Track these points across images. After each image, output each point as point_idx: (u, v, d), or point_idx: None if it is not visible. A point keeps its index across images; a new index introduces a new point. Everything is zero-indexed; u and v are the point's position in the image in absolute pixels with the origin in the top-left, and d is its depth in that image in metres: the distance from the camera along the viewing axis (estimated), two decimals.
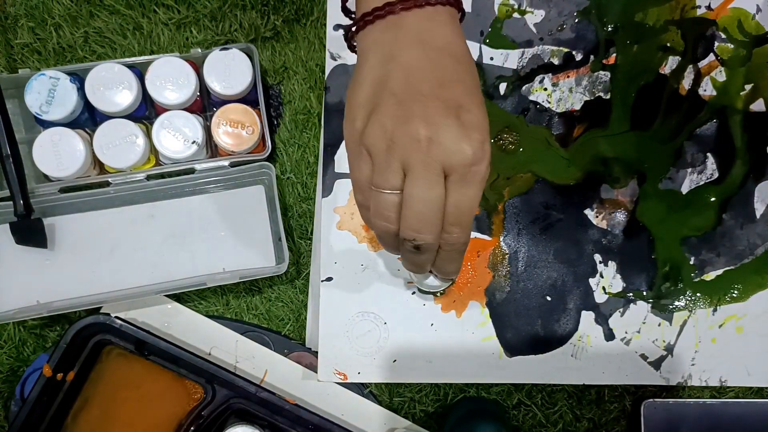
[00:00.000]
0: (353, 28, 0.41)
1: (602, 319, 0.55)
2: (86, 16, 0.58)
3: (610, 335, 0.55)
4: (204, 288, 0.55)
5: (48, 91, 0.53)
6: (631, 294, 0.55)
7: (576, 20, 0.57)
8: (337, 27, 0.58)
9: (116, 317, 0.53)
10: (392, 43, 0.39)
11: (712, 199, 0.56)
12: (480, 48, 0.57)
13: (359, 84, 0.40)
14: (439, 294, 0.54)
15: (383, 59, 0.39)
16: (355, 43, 0.42)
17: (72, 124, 0.55)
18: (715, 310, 0.55)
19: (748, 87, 0.56)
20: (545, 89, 0.57)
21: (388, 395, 0.56)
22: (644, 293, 0.55)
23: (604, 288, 0.55)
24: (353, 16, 0.43)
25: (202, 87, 0.56)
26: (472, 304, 0.55)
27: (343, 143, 0.56)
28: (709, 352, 0.54)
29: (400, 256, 0.45)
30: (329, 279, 0.55)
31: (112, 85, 0.54)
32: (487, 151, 0.37)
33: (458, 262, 0.42)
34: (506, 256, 0.56)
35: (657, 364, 0.54)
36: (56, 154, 0.53)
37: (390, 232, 0.40)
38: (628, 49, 0.57)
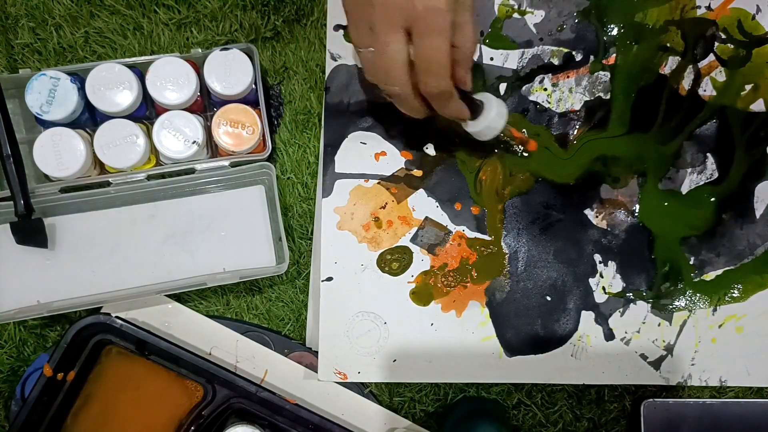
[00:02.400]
0: None
1: (602, 319, 0.55)
2: (87, 16, 0.58)
3: (610, 335, 0.55)
4: (204, 288, 0.55)
5: (48, 91, 0.53)
6: (630, 294, 0.55)
7: (576, 20, 0.57)
8: (337, 27, 0.58)
9: (116, 317, 0.53)
10: None
11: (712, 199, 0.56)
12: (480, 48, 0.57)
13: None
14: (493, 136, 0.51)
15: None
16: None
17: (72, 124, 0.55)
18: (715, 310, 0.55)
19: (748, 87, 0.56)
20: (545, 89, 0.57)
21: (388, 395, 0.56)
22: (644, 293, 0.55)
23: (604, 288, 0.55)
24: None
25: (203, 87, 0.56)
26: (472, 304, 0.55)
27: (344, 143, 0.57)
28: (709, 352, 0.54)
29: None
30: (329, 279, 0.55)
31: (112, 85, 0.54)
32: (442, 2, 0.40)
33: (451, 107, 0.46)
34: (506, 256, 0.56)
35: (657, 364, 0.54)
36: (57, 154, 0.53)
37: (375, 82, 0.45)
38: (628, 49, 0.57)
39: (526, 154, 0.56)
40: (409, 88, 0.44)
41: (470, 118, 0.49)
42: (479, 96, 0.50)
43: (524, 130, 0.56)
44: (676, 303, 0.55)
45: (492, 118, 0.49)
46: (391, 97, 0.46)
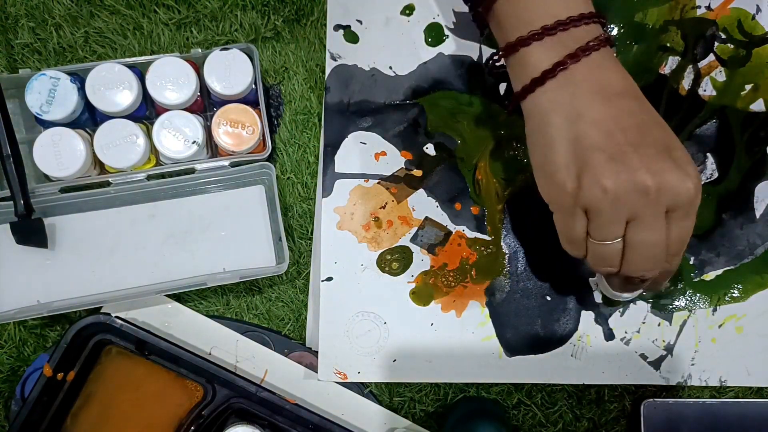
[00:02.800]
0: (522, 92, 0.42)
1: (602, 318, 0.55)
2: (87, 16, 0.58)
3: (609, 335, 0.55)
4: (204, 288, 0.55)
5: (48, 91, 0.53)
6: None
7: None
8: (337, 27, 0.58)
9: (116, 317, 0.53)
10: (572, 99, 0.40)
11: (712, 199, 0.56)
12: (480, 48, 0.57)
13: (552, 147, 0.40)
14: (628, 299, 0.54)
15: (569, 118, 0.39)
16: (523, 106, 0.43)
17: (72, 124, 0.55)
18: (714, 310, 0.55)
19: (748, 87, 0.56)
20: None
21: (388, 395, 0.56)
22: (644, 293, 0.55)
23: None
24: (497, 69, 0.45)
25: (203, 87, 0.56)
26: (472, 304, 0.55)
27: (344, 143, 0.57)
28: (709, 352, 0.54)
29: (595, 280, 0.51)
30: (329, 279, 0.55)
31: (112, 85, 0.54)
32: (700, 179, 0.39)
33: (664, 283, 0.45)
34: (506, 256, 0.56)
35: (657, 364, 0.54)
36: (57, 154, 0.53)
37: (612, 273, 0.42)
38: (628, 49, 0.57)
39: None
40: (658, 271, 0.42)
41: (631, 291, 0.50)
42: None
43: None
44: (676, 303, 0.55)
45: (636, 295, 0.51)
46: (627, 278, 0.43)
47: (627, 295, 0.51)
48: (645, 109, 0.41)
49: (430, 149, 0.57)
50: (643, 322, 0.55)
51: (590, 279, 0.54)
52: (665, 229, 0.39)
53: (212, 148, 0.58)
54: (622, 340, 0.55)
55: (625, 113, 0.39)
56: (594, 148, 0.39)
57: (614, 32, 0.57)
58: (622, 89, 0.40)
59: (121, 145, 0.54)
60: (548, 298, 0.55)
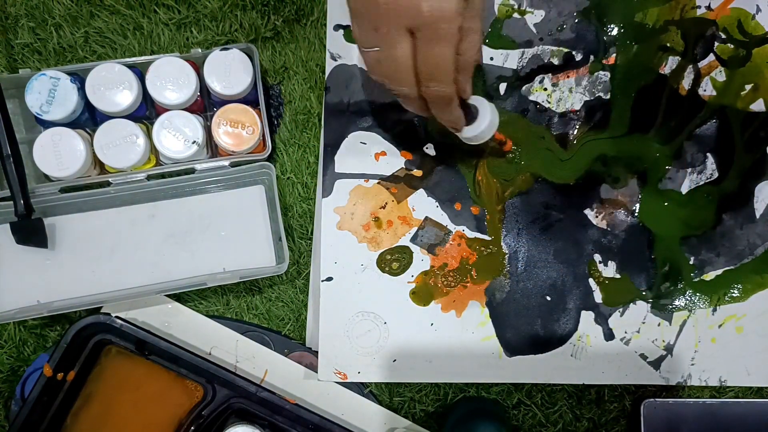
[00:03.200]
0: None
1: (602, 318, 0.55)
2: (87, 16, 0.58)
3: (609, 335, 0.55)
4: (204, 288, 0.55)
5: (48, 91, 0.53)
6: (630, 294, 0.55)
7: (576, 20, 0.57)
8: (337, 27, 0.58)
9: (116, 317, 0.53)
10: None
11: (712, 199, 0.56)
12: (480, 48, 0.57)
13: None
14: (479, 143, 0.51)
15: None
16: None
17: (72, 124, 0.55)
18: (714, 310, 0.55)
19: (748, 87, 0.56)
20: (545, 89, 0.57)
21: (388, 395, 0.56)
22: (644, 293, 0.55)
23: (604, 287, 0.55)
24: None
25: (203, 87, 0.56)
26: (472, 304, 0.55)
27: (344, 143, 0.57)
28: (708, 352, 0.54)
29: None
30: (329, 279, 0.55)
31: (112, 85, 0.54)
32: (450, 8, 0.39)
33: (449, 113, 0.46)
34: (506, 256, 0.56)
35: (657, 364, 0.54)
36: (57, 154, 0.53)
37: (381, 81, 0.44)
38: (628, 49, 0.57)
39: (505, 154, 0.56)
40: (415, 89, 0.43)
41: (464, 124, 0.49)
42: (474, 101, 0.49)
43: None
44: (676, 303, 0.55)
45: (485, 127, 0.48)
46: (397, 95, 0.46)
47: (464, 135, 0.49)
48: None
49: (430, 149, 0.57)
50: (643, 322, 0.55)
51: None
52: (405, 45, 0.41)
53: (212, 148, 0.58)
54: (621, 340, 0.55)
55: None
56: None
57: (614, 32, 0.57)
58: None
59: (121, 145, 0.54)
60: (548, 298, 0.55)
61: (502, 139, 0.55)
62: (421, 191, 0.56)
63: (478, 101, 0.49)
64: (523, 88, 0.57)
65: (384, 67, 0.43)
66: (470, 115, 0.49)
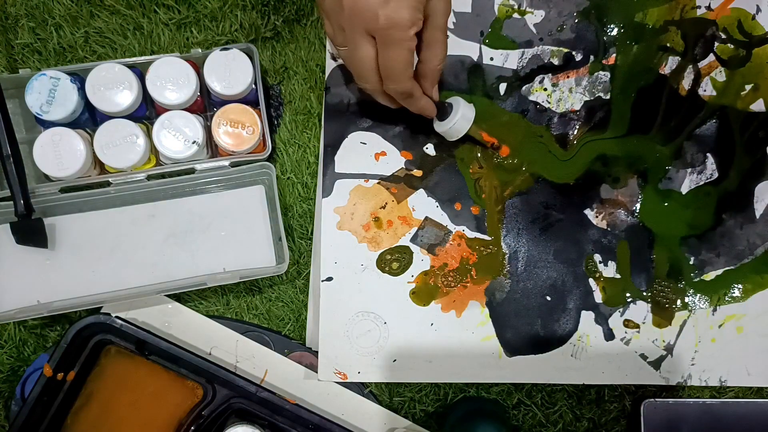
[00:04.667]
0: None
1: (602, 318, 0.55)
2: (87, 16, 0.58)
3: (609, 335, 0.55)
4: (204, 288, 0.55)
5: (48, 91, 0.53)
6: (630, 294, 0.55)
7: (576, 20, 0.57)
8: None
9: (116, 317, 0.53)
10: None
11: (712, 199, 0.56)
12: (480, 48, 0.57)
13: None
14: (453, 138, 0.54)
15: None
16: None
17: (72, 124, 0.55)
18: (714, 310, 0.55)
19: (748, 87, 0.56)
20: (545, 89, 0.57)
21: (388, 395, 0.56)
22: (644, 293, 0.55)
23: (604, 288, 0.55)
24: None
25: (203, 87, 0.56)
26: (472, 304, 0.55)
27: (344, 143, 0.57)
28: (708, 352, 0.54)
29: None
30: (329, 279, 0.55)
31: (112, 85, 0.54)
32: (402, 14, 0.42)
33: (414, 104, 0.49)
34: (506, 256, 0.56)
35: (657, 364, 0.54)
36: (57, 154, 0.53)
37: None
38: (628, 49, 0.57)
39: (500, 159, 0.56)
40: (378, 86, 0.47)
41: (439, 119, 0.53)
42: (450, 99, 0.53)
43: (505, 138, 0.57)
44: (676, 303, 0.55)
45: (456, 121, 0.52)
46: (365, 90, 0.49)
47: (439, 129, 0.53)
48: None
49: (430, 149, 0.57)
50: (643, 322, 0.55)
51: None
52: (365, 50, 0.44)
53: (212, 148, 0.58)
54: (621, 340, 0.55)
55: None
56: None
57: (614, 32, 0.57)
58: None
59: (121, 145, 0.54)
60: (548, 298, 0.55)
61: (494, 142, 0.56)
62: (421, 191, 0.56)
63: (454, 100, 0.53)
64: (523, 88, 0.57)
65: (350, 64, 0.47)
66: (445, 112, 0.52)
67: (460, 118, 0.52)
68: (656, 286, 0.55)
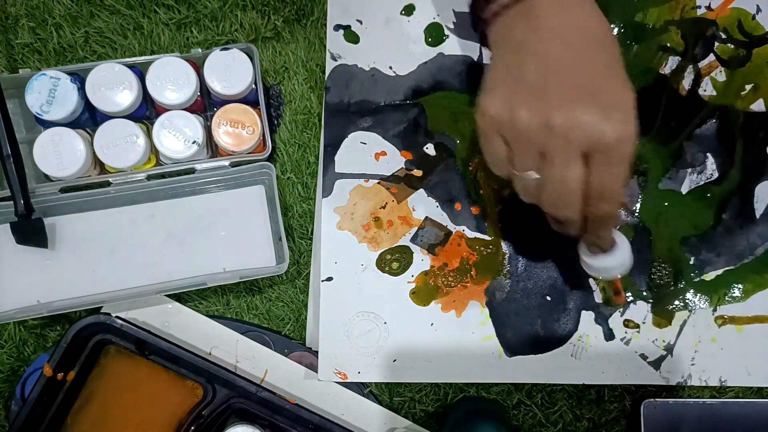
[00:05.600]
0: (485, 21, 0.42)
1: (602, 318, 0.55)
2: (87, 16, 0.58)
3: (609, 335, 0.55)
4: (204, 288, 0.55)
5: (48, 91, 0.53)
6: (630, 294, 0.55)
7: None
8: (337, 27, 0.58)
9: (116, 317, 0.53)
10: (524, 31, 0.39)
11: (712, 199, 0.56)
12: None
13: (492, 70, 0.41)
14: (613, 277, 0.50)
15: (515, 48, 0.39)
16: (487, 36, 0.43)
17: (72, 124, 0.55)
18: (714, 310, 0.55)
19: (748, 87, 0.56)
20: None
21: (388, 395, 0.56)
22: (644, 293, 0.55)
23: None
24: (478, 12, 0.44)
25: (203, 87, 0.56)
26: (472, 304, 0.55)
27: (344, 143, 0.57)
28: (708, 352, 0.54)
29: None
30: (329, 279, 0.55)
31: (112, 85, 0.54)
32: (631, 127, 0.37)
33: (608, 232, 0.44)
34: (506, 256, 0.56)
35: (657, 364, 0.54)
36: (57, 154, 0.53)
37: (536, 204, 0.42)
38: (628, 49, 0.57)
39: (618, 307, 0.55)
40: (579, 213, 0.41)
41: (604, 250, 0.47)
42: (615, 233, 0.47)
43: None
44: (676, 303, 0.55)
45: (626, 258, 0.47)
46: (554, 219, 0.44)
47: (601, 265, 0.47)
48: (596, 48, 0.39)
49: (430, 149, 0.57)
50: (643, 322, 0.55)
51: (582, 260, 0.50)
52: (577, 171, 0.38)
53: (212, 148, 0.58)
54: (622, 340, 0.55)
55: (570, 51, 0.38)
56: (525, 80, 0.38)
57: (614, 32, 0.57)
58: (576, 26, 0.39)
59: (121, 145, 0.54)
60: (548, 298, 0.55)
61: (619, 288, 0.52)
62: (421, 191, 0.56)
63: (617, 235, 0.47)
64: None
65: (547, 192, 0.40)
66: (614, 245, 0.46)
67: (628, 257, 0.47)
68: (656, 286, 0.55)
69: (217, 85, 0.54)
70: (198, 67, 0.55)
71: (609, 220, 0.42)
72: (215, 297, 0.57)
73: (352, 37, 0.58)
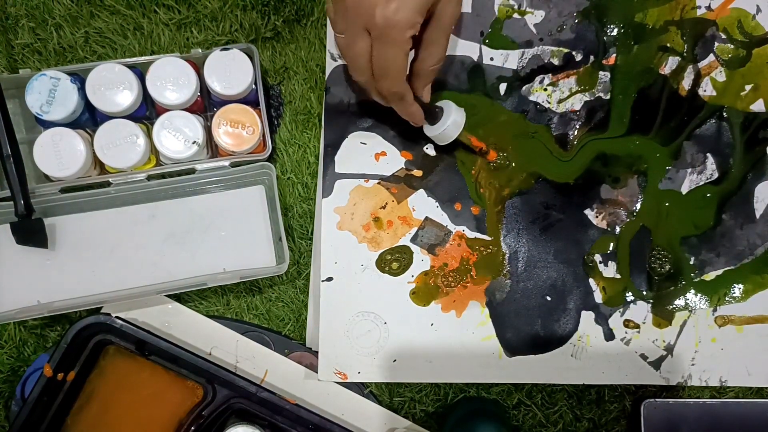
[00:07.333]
0: None
1: (602, 319, 0.55)
2: (87, 16, 0.58)
3: (609, 335, 0.55)
4: (204, 288, 0.55)
5: (49, 92, 0.53)
6: (630, 294, 0.55)
7: (576, 21, 0.57)
8: None
9: (117, 317, 0.53)
10: None
11: (712, 199, 0.56)
12: (480, 48, 0.57)
13: None
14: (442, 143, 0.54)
15: None
16: None
17: (73, 124, 0.55)
18: (715, 310, 0.55)
19: (748, 87, 0.56)
20: (545, 90, 0.57)
21: (388, 395, 0.56)
22: (644, 293, 0.55)
23: (604, 288, 0.55)
24: None
25: (203, 87, 0.56)
26: (472, 304, 0.55)
27: (344, 143, 0.57)
28: (709, 352, 0.54)
29: None
30: (329, 279, 0.55)
31: (112, 86, 0.54)
32: (402, 15, 0.43)
33: (404, 108, 0.49)
34: (506, 256, 0.56)
35: (657, 364, 0.54)
36: (57, 154, 0.53)
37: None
38: (628, 49, 0.57)
39: (500, 159, 0.56)
40: (371, 82, 0.47)
41: (430, 124, 0.52)
42: (441, 103, 0.53)
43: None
44: (676, 303, 0.55)
45: (447, 126, 0.52)
46: (359, 84, 0.49)
47: (433, 133, 0.52)
48: None
49: (430, 149, 0.57)
50: (643, 322, 0.55)
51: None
52: (361, 45, 0.45)
53: (212, 148, 0.58)
54: (622, 340, 0.55)
55: None
56: None
57: (614, 32, 0.57)
58: None
59: (121, 145, 0.54)
60: (548, 298, 0.55)
61: (483, 147, 0.55)
62: (421, 191, 0.56)
63: (445, 104, 0.52)
64: (523, 88, 0.57)
65: (345, 55, 0.47)
66: (435, 116, 0.52)
67: (451, 124, 0.52)
68: (656, 286, 0.55)
69: (217, 85, 0.54)
70: (198, 67, 0.55)
71: (394, 96, 0.47)
72: (215, 297, 0.57)
73: None
